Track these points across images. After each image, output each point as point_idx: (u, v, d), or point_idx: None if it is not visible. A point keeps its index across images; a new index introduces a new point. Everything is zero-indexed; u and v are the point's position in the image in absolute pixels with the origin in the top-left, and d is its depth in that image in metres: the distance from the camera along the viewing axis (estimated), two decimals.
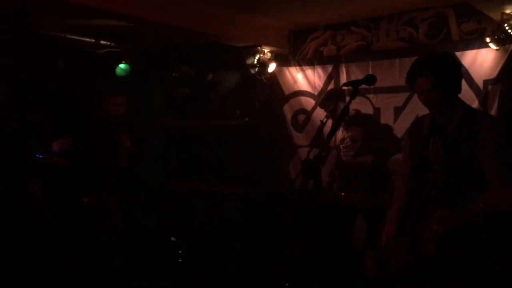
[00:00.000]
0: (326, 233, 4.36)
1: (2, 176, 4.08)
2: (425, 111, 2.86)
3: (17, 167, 4.12)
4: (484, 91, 4.60)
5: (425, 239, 2.68)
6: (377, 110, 5.30)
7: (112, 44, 5.68)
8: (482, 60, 4.62)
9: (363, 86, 2.60)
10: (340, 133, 4.71)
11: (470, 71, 4.64)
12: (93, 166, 4.38)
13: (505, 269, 2.55)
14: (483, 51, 4.61)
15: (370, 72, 5.02)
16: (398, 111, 5.15)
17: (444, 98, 2.66)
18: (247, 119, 6.12)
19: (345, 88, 3.35)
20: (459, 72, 2.73)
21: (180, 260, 5.58)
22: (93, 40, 5.52)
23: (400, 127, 4.89)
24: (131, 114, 4.95)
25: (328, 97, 4.84)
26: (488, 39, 4.49)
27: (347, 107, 2.57)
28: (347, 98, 4.52)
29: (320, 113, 5.45)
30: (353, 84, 2.55)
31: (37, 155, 3.83)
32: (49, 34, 5.11)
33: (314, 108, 5.77)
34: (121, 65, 5.72)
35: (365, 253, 4.38)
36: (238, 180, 5.81)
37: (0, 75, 4.66)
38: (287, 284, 4.49)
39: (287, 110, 6.06)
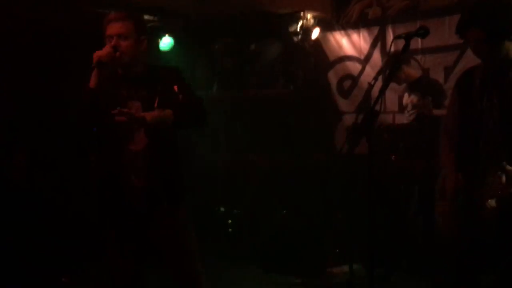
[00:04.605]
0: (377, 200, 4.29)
1: None
2: None
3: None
4: None
5: (482, 199, 2.54)
6: (426, 71, 5.09)
7: (155, 18, 5.70)
8: None
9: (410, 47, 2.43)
10: (405, 97, 4.56)
11: None
12: None
13: None
14: None
15: None
16: (448, 71, 4.93)
17: (498, 49, 2.50)
18: (291, 87, 6.05)
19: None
20: None
21: (230, 230, 5.65)
22: None
23: (451, 87, 4.67)
24: None
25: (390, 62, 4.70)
26: None
27: (398, 63, 2.47)
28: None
29: (368, 77, 5.33)
30: (406, 37, 2.43)
31: None
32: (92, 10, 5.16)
33: (361, 73, 5.62)
34: (165, 39, 5.74)
35: (416, 220, 4.26)
36: (284, 149, 5.78)
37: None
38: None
39: (332, 77, 5.92)
